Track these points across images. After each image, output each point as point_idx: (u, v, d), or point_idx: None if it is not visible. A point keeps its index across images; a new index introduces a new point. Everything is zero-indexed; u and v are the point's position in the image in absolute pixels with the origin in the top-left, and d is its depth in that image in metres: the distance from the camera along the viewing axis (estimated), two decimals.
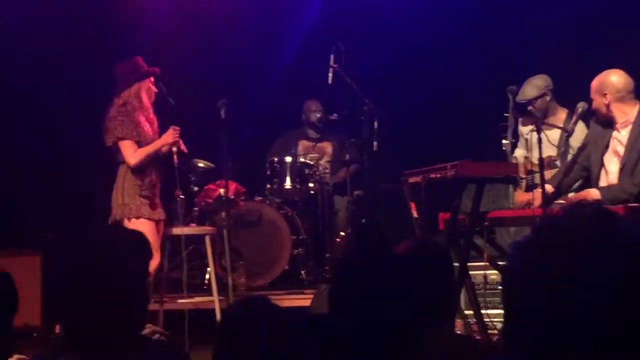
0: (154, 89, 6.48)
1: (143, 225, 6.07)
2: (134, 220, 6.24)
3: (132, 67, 6.42)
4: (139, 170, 6.34)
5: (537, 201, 5.82)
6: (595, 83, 5.98)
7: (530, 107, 6.61)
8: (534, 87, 6.69)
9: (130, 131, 6.28)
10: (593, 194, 5.78)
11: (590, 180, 6.11)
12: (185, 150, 6.55)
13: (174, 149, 6.45)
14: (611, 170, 5.95)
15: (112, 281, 2.06)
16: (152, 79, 6.48)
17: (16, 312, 2.90)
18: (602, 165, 6.01)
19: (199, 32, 8.57)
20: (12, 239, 7.47)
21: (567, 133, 6.42)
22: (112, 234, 2.68)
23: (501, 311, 4.70)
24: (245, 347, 2.35)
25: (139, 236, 2.34)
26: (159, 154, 6.46)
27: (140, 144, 6.33)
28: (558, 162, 6.48)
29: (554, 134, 6.60)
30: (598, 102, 5.97)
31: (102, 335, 2.03)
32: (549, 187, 5.86)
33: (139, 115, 6.35)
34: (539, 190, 5.80)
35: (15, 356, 2.85)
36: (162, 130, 6.53)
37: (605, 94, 5.89)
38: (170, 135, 6.44)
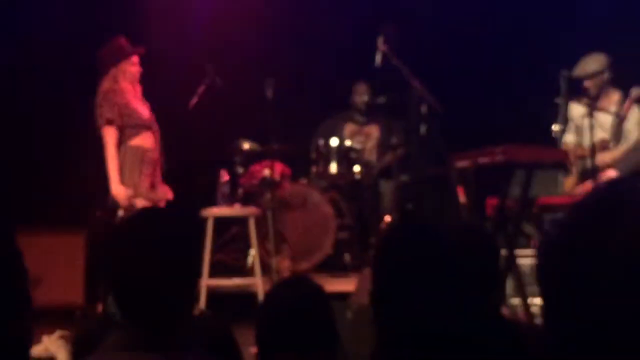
0: (136, 70, 6.26)
1: (141, 204, 5.86)
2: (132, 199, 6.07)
3: (110, 51, 6.23)
4: (139, 148, 6.18)
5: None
6: None
7: (587, 83, 6.48)
8: (595, 61, 6.54)
9: (113, 117, 6.09)
10: None
11: None
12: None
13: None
14: None
15: (167, 261, 2.01)
16: (133, 59, 6.25)
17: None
18: None
19: (246, 12, 8.51)
20: (56, 218, 7.48)
21: (620, 118, 6.30)
22: (169, 213, 2.63)
23: None
24: (288, 326, 2.33)
25: (194, 216, 2.30)
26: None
27: (131, 126, 6.15)
28: (611, 145, 6.36)
29: (605, 118, 6.46)
30: None
31: (152, 313, 1.99)
32: (612, 173, 5.79)
33: (124, 98, 6.17)
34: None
35: (58, 331, 2.84)
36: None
37: None
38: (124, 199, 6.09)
